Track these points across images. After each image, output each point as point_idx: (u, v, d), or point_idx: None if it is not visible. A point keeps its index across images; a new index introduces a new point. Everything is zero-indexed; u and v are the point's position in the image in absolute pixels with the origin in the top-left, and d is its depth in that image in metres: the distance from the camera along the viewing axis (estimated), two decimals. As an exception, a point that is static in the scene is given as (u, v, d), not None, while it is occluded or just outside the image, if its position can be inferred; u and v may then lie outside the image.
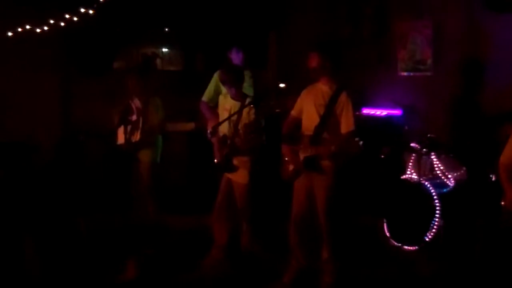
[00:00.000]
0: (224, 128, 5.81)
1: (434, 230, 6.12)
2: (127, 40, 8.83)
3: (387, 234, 6.46)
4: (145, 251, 6.11)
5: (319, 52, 5.23)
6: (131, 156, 6.57)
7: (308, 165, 5.16)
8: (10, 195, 6.70)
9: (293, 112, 5.49)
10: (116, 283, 5.56)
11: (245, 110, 5.69)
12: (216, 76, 6.20)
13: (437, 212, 6.12)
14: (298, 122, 5.42)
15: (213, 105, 6.21)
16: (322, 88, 5.29)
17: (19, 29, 7.52)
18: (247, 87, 6.09)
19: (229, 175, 5.86)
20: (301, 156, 5.19)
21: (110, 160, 7.30)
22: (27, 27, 7.54)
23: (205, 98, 6.41)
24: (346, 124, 5.14)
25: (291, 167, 5.31)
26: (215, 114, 6.11)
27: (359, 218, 6.88)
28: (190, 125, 8.37)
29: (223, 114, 5.88)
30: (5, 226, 6.06)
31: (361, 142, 4.80)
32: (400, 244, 6.35)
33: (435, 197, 6.16)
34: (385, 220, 6.51)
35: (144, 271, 5.76)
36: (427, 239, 6.15)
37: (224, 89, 6.04)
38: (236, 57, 6.29)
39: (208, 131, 5.97)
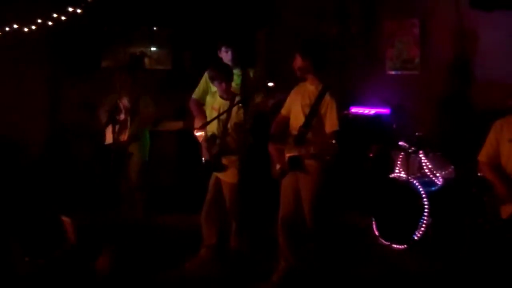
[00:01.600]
0: (212, 127, 5.78)
1: (422, 229, 6.11)
2: (115, 39, 8.78)
3: (376, 232, 6.45)
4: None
5: (301, 52, 5.22)
6: (121, 153, 6.53)
7: (292, 165, 5.13)
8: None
9: (283, 111, 5.49)
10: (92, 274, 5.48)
11: (234, 109, 5.65)
12: (206, 74, 6.16)
13: (426, 210, 6.11)
14: (286, 122, 5.40)
15: (203, 103, 6.18)
16: (309, 87, 5.29)
17: (7, 29, 7.44)
18: (236, 87, 6.05)
19: (218, 175, 5.83)
20: (286, 155, 5.16)
21: (98, 159, 7.25)
22: (15, 26, 7.46)
23: (195, 95, 6.38)
24: (330, 124, 5.12)
25: (277, 167, 5.30)
26: (203, 112, 6.08)
27: (347, 217, 6.90)
28: (179, 124, 8.33)
29: (211, 113, 5.85)
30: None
31: (336, 145, 4.77)
32: (388, 243, 6.34)
33: (423, 195, 6.16)
34: (373, 219, 6.50)
35: (130, 269, 5.69)
36: (415, 238, 6.14)
37: (213, 88, 6.01)
38: (225, 56, 6.26)
39: (195, 129, 5.93)
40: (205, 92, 6.22)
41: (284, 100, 5.55)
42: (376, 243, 6.40)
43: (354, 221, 6.84)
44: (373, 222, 6.48)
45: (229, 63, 6.15)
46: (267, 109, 6.09)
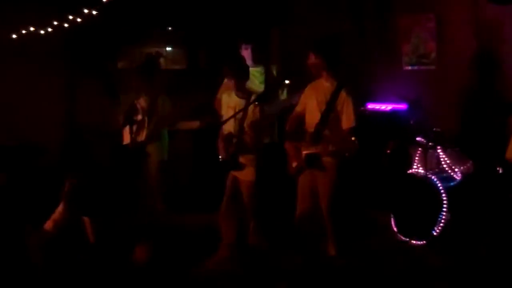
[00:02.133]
0: (229, 126, 5.77)
1: (441, 224, 6.07)
2: (130, 40, 8.79)
3: (395, 229, 6.42)
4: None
5: (314, 50, 5.25)
6: (139, 154, 6.56)
7: (309, 162, 5.16)
8: (16, 198, 6.70)
9: (298, 108, 5.49)
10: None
11: (250, 108, 5.65)
12: None
13: (444, 206, 6.07)
14: (303, 118, 5.41)
15: None
16: (324, 84, 5.30)
17: (23, 31, 7.48)
18: (258, 84, 6.06)
19: (235, 173, 5.83)
20: (303, 153, 5.19)
21: (116, 159, 7.27)
22: (31, 29, 7.50)
23: (219, 95, 6.41)
24: (346, 121, 5.13)
25: (294, 164, 5.30)
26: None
27: (365, 213, 6.86)
28: (195, 123, 8.33)
29: (227, 112, 5.85)
30: (11, 229, 6.06)
31: (356, 142, 4.79)
32: (407, 239, 6.30)
33: (442, 191, 6.11)
34: (392, 215, 6.46)
35: (150, 267, 5.72)
36: (434, 233, 6.10)
37: (227, 88, 6.01)
38: (245, 53, 6.25)
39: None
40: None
41: (299, 97, 5.56)
42: (395, 239, 6.36)
43: (372, 217, 6.80)
44: (392, 218, 6.44)
45: (249, 60, 6.13)
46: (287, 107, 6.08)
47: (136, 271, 5.55)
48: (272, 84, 6.20)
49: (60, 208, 5.64)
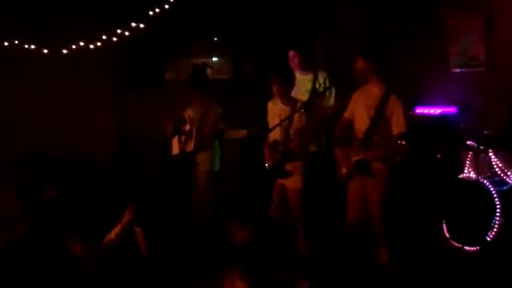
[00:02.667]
0: (275, 134, 5.78)
1: (495, 229, 5.95)
2: (177, 51, 8.88)
3: (447, 235, 6.32)
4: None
5: (363, 55, 5.20)
6: (188, 164, 6.59)
7: (359, 169, 5.14)
8: (67, 211, 6.80)
9: (346, 114, 5.47)
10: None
11: (296, 115, 5.63)
12: None
13: (498, 210, 5.94)
14: (351, 124, 5.38)
15: None
16: (372, 89, 5.26)
17: (74, 46, 7.62)
18: (304, 92, 6.05)
19: (283, 181, 5.82)
20: (353, 159, 5.17)
21: (166, 170, 7.32)
22: (81, 43, 7.63)
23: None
24: (397, 126, 5.09)
25: (343, 170, 5.29)
26: None
27: (417, 220, 6.75)
28: (242, 132, 8.32)
29: (273, 120, 5.85)
30: (61, 242, 6.17)
31: (407, 146, 4.71)
32: (460, 245, 6.20)
33: (494, 195, 5.99)
34: (444, 221, 6.37)
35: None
36: (488, 239, 5.98)
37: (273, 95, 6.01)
38: (293, 61, 6.24)
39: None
40: None
41: (346, 103, 5.51)
42: (447, 245, 6.27)
43: (424, 223, 6.69)
44: (444, 224, 6.35)
45: (298, 68, 6.11)
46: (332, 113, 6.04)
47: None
48: (317, 91, 6.14)
49: (117, 230, 5.71)
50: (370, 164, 5.09)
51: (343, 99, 5.68)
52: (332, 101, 6.18)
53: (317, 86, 6.28)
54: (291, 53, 6.29)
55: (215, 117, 6.70)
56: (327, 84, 6.26)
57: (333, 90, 6.18)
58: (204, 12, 8.42)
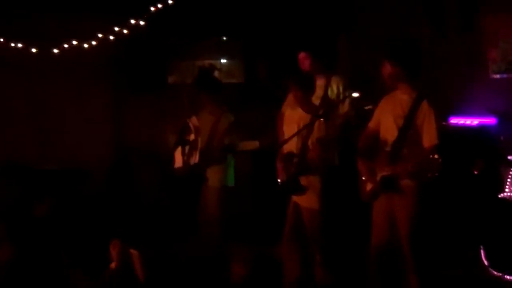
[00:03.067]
0: (290, 145, 5.73)
1: (541, 257, 5.85)
2: (181, 52, 8.89)
3: (486, 262, 6.23)
4: None
5: (392, 58, 5.16)
6: (197, 179, 6.54)
7: (386, 185, 5.05)
8: (59, 227, 6.75)
9: (370, 124, 5.42)
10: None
11: (316, 124, 5.62)
12: None
13: (544, 235, 5.84)
14: (376, 136, 5.32)
15: None
16: (401, 97, 5.21)
17: (65, 45, 7.60)
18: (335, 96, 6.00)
19: (297, 200, 5.76)
20: (379, 174, 5.09)
21: (168, 184, 7.27)
22: (74, 42, 7.61)
23: (283, 109, 6.37)
24: (428, 138, 5.02)
25: (368, 187, 5.21)
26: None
27: (451, 244, 6.66)
28: (254, 144, 8.27)
29: (289, 129, 5.82)
30: (55, 257, 6.10)
31: (440, 160, 4.62)
32: (501, 274, 6.11)
33: (540, 217, 5.89)
34: (482, 246, 6.27)
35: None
36: (532, 267, 5.90)
37: (290, 101, 5.99)
38: (302, 63, 6.18)
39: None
40: None
41: (371, 111, 5.47)
42: (486, 274, 6.17)
43: (459, 249, 6.61)
44: (482, 250, 6.26)
45: (312, 72, 6.07)
46: (353, 122, 5.98)
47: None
48: (329, 97, 6.12)
49: (113, 266, 5.88)
50: (399, 180, 5.00)
51: (364, 107, 5.62)
52: (346, 108, 6.14)
53: (329, 92, 6.23)
54: (302, 55, 6.26)
55: (227, 127, 6.62)
56: (341, 91, 6.23)
57: (348, 96, 6.14)
58: (212, 8, 8.41)
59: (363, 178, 5.24)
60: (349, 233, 6.40)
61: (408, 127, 5.05)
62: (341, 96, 6.18)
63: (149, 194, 8.20)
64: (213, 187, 6.58)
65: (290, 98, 6.26)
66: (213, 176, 6.58)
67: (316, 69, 6.25)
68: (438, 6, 8.00)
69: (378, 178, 5.08)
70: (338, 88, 6.30)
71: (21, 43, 7.47)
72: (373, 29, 8.34)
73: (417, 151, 4.96)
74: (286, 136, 5.78)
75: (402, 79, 5.14)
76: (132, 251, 5.94)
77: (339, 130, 5.94)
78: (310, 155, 5.60)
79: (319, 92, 6.13)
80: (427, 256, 5.18)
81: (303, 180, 5.62)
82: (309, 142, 5.62)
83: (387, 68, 5.17)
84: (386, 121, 5.23)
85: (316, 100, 5.99)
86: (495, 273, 6.13)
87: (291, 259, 5.83)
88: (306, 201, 5.67)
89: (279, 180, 5.83)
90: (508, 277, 6.04)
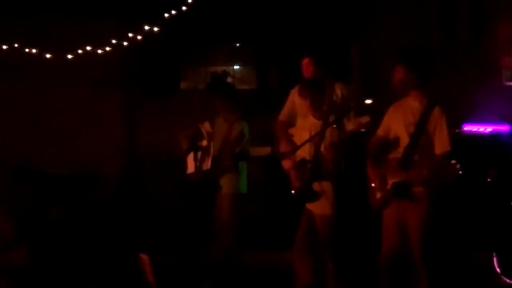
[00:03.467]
0: (302, 151, 5.68)
1: (554, 265, 5.83)
2: (194, 58, 8.87)
3: (498, 270, 6.20)
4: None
5: (405, 63, 5.12)
6: (210, 186, 6.54)
7: (397, 193, 5.01)
8: (71, 233, 6.77)
9: (380, 131, 5.36)
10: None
11: (328, 130, 5.57)
12: (293, 92, 6.08)
13: (557, 243, 5.82)
14: (385, 143, 5.27)
15: (292, 125, 6.08)
16: (412, 103, 5.17)
17: (79, 51, 7.64)
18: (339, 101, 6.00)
19: (310, 206, 5.71)
20: (390, 181, 5.05)
21: (180, 190, 7.29)
22: (88, 48, 7.65)
23: (281, 117, 6.30)
24: (440, 144, 4.98)
25: (378, 195, 5.16)
26: (290, 137, 5.96)
27: (464, 253, 6.70)
28: (266, 150, 8.30)
29: (301, 136, 5.75)
30: (66, 266, 6.13)
31: (458, 165, 4.57)
32: (513, 282, 6.13)
33: (553, 225, 5.87)
34: (495, 254, 6.25)
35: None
36: (545, 275, 5.86)
37: (302, 109, 5.93)
38: (305, 69, 6.17)
39: (281, 155, 5.86)
40: (293, 112, 6.11)
41: (381, 118, 5.42)
42: (499, 281, 6.15)
43: (472, 257, 6.64)
44: (494, 258, 6.23)
45: (311, 77, 6.06)
46: (364, 129, 5.97)
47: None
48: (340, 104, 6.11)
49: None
50: (411, 187, 4.95)
51: (369, 114, 5.63)
52: (351, 116, 6.11)
53: (334, 98, 6.21)
54: (306, 61, 6.19)
55: (238, 135, 6.59)
56: (345, 96, 6.21)
57: (364, 103, 6.11)
58: (225, 14, 8.46)
59: (373, 185, 5.19)
60: (360, 240, 6.42)
61: (420, 133, 5.01)
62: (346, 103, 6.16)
63: (161, 199, 8.21)
64: (226, 194, 6.56)
65: (288, 104, 6.33)
66: (226, 183, 6.57)
67: (320, 76, 6.22)
68: (450, 13, 8.01)
69: (389, 185, 5.04)
70: (342, 94, 6.28)
71: (35, 49, 7.52)
72: (386, 36, 8.37)
73: (429, 157, 4.92)
74: (299, 143, 5.71)
75: (414, 85, 5.09)
76: (142, 255, 5.96)
77: (351, 135, 5.93)
78: (324, 160, 5.56)
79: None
80: (439, 264, 5.15)
81: (316, 186, 5.57)
82: (322, 148, 5.58)
83: (400, 74, 5.11)
84: (396, 128, 5.19)
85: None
86: (508, 280, 6.10)
87: (303, 266, 5.73)
88: (319, 207, 5.61)
89: (292, 190, 5.75)
90: (520, 285, 6.04)
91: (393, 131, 5.21)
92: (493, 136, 7.29)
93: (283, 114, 6.26)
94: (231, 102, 6.71)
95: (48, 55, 7.59)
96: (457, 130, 7.30)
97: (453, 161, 4.62)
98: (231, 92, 6.82)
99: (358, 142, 5.58)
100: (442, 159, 4.82)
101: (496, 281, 6.17)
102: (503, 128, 7.21)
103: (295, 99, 6.05)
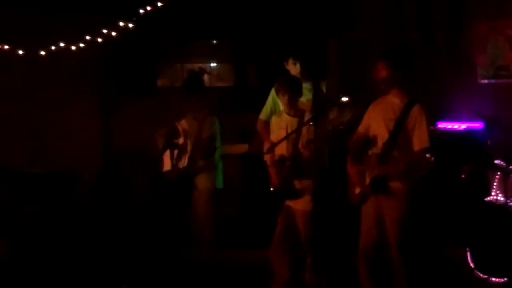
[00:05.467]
0: (280, 149, 5.79)
1: (525, 260, 5.98)
2: (171, 55, 8.92)
3: (472, 265, 6.35)
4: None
5: (388, 61, 5.23)
6: (185, 182, 6.61)
7: (375, 187, 5.13)
8: (49, 232, 6.87)
9: (360, 129, 5.49)
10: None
11: (305, 128, 5.70)
12: (273, 91, 6.23)
13: (529, 238, 5.98)
14: (365, 140, 5.40)
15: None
16: (392, 100, 5.29)
17: (53, 47, 7.66)
18: (307, 102, 6.13)
19: (289, 203, 5.82)
20: (368, 177, 5.18)
21: (156, 189, 7.36)
22: (61, 44, 7.67)
23: (262, 116, 6.47)
24: (419, 141, 5.11)
25: (357, 190, 5.29)
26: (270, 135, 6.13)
27: (438, 248, 6.82)
28: (244, 147, 8.37)
29: (278, 134, 5.88)
30: (44, 266, 6.24)
31: (432, 158, 4.74)
32: (486, 276, 6.23)
33: (525, 221, 6.03)
34: (468, 249, 6.40)
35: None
36: (517, 270, 6.01)
37: (280, 106, 6.09)
38: (293, 68, 6.34)
39: (264, 153, 6.01)
40: (274, 111, 6.30)
41: (361, 115, 5.56)
42: (472, 276, 6.29)
43: (446, 252, 6.78)
44: (468, 253, 6.39)
45: (298, 76, 6.23)
46: (342, 126, 6.10)
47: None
48: (322, 101, 6.23)
49: None
50: (389, 182, 5.09)
51: (350, 111, 5.75)
52: (334, 114, 6.25)
53: (315, 96, 6.35)
54: (291, 60, 6.37)
55: (210, 131, 6.63)
56: (329, 94, 6.36)
57: (341, 100, 6.25)
58: (202, 10, 8.42)
59: (353, 181, 5.31)
60: (339, 236, 6.46)
61: (399, 130, 5.12)
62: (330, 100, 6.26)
63: (139, 197, 8.19)
64: (203, 188, 6.60)
65: (269, 103, 6.44)
66: (202, 178, 6.61)
67: (305, 74, 6.38)
68: (427, 12, 8.09)
69: (367, 181, 5.15)
70: (321, 93, 6.40)
71: (7, 45, 7.50)
72: (363, 35, 8.42)
73: (407, 154, 5.03)
74: (275, 141, 5.79)
75: (396, 83, 5.21)
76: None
77: (328, 132, 6.03)
78: (303, 156, 5.65)
79: (308, 95, 6.27)
80: (416, 259, 5.26)
81: (297, 184, 5.69)
82: (300, 145, 5.68)
83: (383, 71, 5.22)
84: (376, 125, 5.30)
85: (307, 104, 6.16)
86: (481, 275, 6.22)
87: (280, 263, 5.87)
88: (300, 204, 5.71)
89: (271, 187, 5.88)
90: (493, 279, 6.12)
91: (373, 128, 5.34)
92: (467, 133, 7.40)
93: (265, 113, 6.47)
94: (201, 100, 6.72)
95: (20, 52, 7.55)
96: (432, 127, 7.42)
97: (428, 154, 4.78)
98: (201, 90, 6.84)
99: (342, 140, 5.66)
100: (420, 154, 4.94)
101: (469, 275, 6.27)
102: (477, 125, 7.31)
103: (275, 98, 6.24)
